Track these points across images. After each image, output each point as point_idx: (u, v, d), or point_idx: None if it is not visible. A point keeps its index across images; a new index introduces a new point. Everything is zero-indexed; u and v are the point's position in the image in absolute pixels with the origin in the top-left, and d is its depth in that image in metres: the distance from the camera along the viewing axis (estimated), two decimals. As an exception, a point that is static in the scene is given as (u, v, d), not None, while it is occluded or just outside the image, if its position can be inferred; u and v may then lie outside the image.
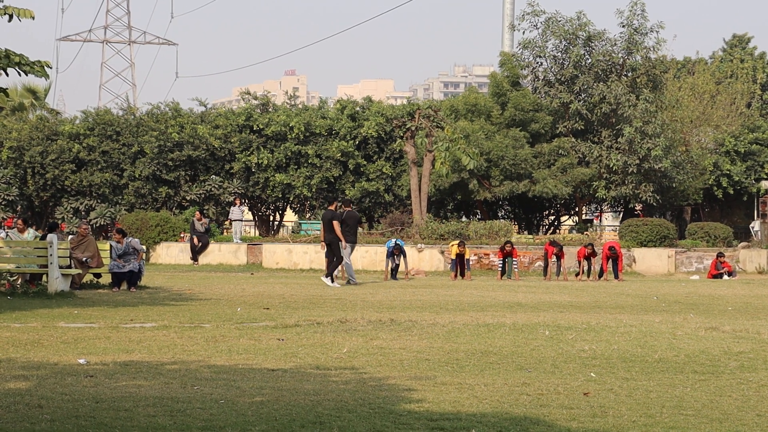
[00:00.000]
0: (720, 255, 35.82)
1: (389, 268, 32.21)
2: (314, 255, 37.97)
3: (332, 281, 27.69)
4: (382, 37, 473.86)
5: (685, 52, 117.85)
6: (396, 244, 32.10)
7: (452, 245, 33.56)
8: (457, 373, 11.84)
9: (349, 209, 29.22)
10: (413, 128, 41.72)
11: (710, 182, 51.02)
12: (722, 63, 69.61)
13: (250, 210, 51.16)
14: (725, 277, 34.71)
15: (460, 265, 33.04)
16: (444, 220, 43.15)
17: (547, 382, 11.18)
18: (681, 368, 12.41)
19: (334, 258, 28.32)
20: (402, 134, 43.10)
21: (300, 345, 14.17)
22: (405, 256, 32.50)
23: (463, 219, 47.89)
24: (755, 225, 49.17)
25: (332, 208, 29.23)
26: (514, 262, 33.73)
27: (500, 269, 33.84)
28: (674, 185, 46.27)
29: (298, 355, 13.21)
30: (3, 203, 46.95)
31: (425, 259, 37.92)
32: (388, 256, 32.25)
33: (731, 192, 51.97)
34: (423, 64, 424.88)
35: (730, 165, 52.09)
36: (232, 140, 48.43)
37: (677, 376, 11.83)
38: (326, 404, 9.76)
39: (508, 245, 33.63)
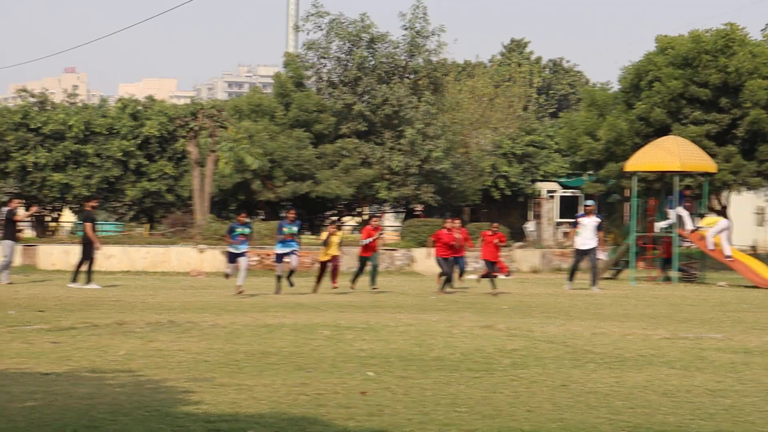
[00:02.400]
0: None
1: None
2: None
3: (84, 283, 26.96)
4: (164, 36, 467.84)
5: (466, 56, 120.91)
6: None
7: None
8: (236, 374, 11.78)
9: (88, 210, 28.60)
10: (196, 128, 41.31)
11: (488, 183, 52.28)
12: (501, 67, 71.44)
13: (27, 210, 49.69)
14: (501, 276, 35.51)
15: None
16: (226, 221, 42.84)
17: (326, 382, 11.24)
18: (456, 366, 12.67)
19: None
20: (185, 134, 42.64)
21: (75, 348, 13.84)
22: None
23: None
24: (530, 225, 50.69)
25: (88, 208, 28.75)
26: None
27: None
28: (454, 186, 47.21)
29: (73, 358, 12.90)
30: None
31: (207, 259, 37.58)
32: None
33: (508, 193, 53.38)
34: (207, 64, 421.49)
35: (507, 167, 53.48)
36: (7, 138, 46.94)
37: (453, 374, 12.07)
38: (101, 408, 9.55)
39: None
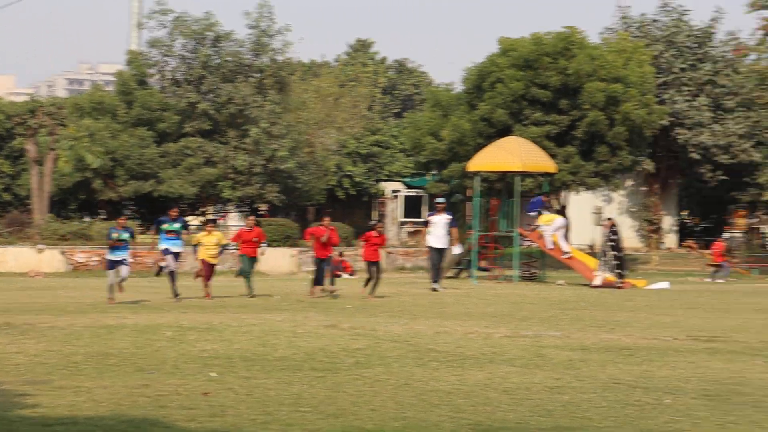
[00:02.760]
0: (340, 254, 36.74)
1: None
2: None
3: None
4: (2, 31, 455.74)
5: (312, 55, 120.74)
6: None
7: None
8: (75, 376, 11.54)
9: None
10: (35, 126, 40.38)
11: (333, 183, 52.34)
12: (346, 67, 71.62)
13: None
14: (345, 276, 35.56)
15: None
16: (66, 221, 41.99)
17: (168, 384, 11.09)
18: (300, 366, 12.64)
19: None
20: (23, 132, 41.61)
21: None
22: None
23: (87, 219, 46.78)
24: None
25: None
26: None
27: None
28: (299, 186, 47.15)
29: None
30: None
31: (45, 260, 36.73)
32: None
33: (353, 193, 53.56)
34: (47, 61, 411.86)
35: (352, 166, 53.66)
36: None
37: (296, 373, 12.04)
38: (-68, 414, 9.24)
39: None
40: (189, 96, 45.75)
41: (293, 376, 11.81)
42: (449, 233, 28.09)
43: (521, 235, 33.52)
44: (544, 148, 37.14)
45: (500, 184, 38.31)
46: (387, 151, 54.96)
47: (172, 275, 23.57)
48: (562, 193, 42.88)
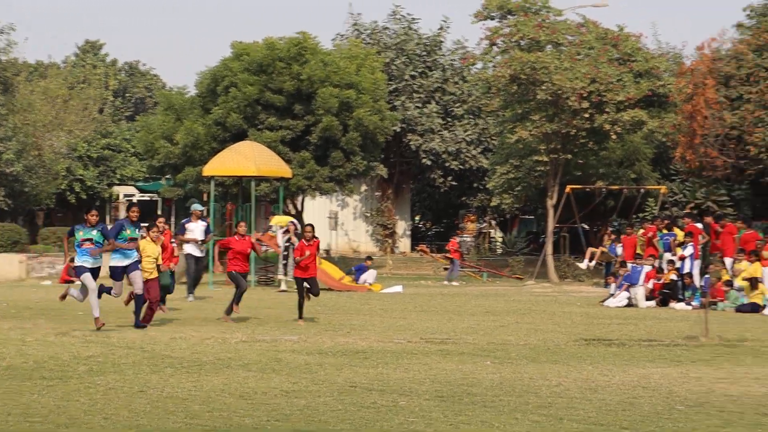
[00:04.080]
0: (71, 260, 35.79)
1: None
2: None
3: None
4: None
5: (38, 56, 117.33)
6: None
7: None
8: None
9: None
10: None
11: (63, 187, 50.93)
12: (75, 68, 69.84)
13: None
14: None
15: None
16: None
17: None
18: (29, 375, 12.21)
19: None
20: None
21: None
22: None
23: None
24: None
25: None
26: None
27: None
28: (27, 189, 45.62)
29: None
30: None
31: None
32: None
33: (84, 197, 52.27)
34: None
35: (83, 170, 52.35)
36: None
37: (25, 383, 11.62)
38: None
39: None
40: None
41: (22, 386, 11.39)
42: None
43: (259, 240, 33.40)
44: (279, 152, 37.25)
45: (236, 189, 38.19)
46: (119, 155, 53.87)
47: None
48: (298, 198, 43.07)
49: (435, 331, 18.63)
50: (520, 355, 15.38)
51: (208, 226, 27.22)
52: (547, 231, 41.00)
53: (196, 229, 26.68)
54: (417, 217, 60.62)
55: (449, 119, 51.41)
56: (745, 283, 26.24)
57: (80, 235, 18.25)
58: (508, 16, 40.36)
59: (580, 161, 41.24)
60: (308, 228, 21.24)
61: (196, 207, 27.78)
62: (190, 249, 26.69)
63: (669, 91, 38.51)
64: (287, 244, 30.45)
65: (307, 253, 20.54)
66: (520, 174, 43.29)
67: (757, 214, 35.56)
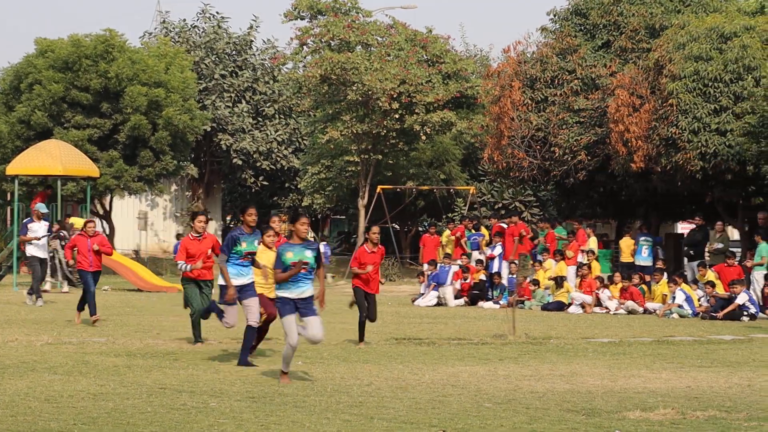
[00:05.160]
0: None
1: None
2: None
3: None
4: None
5: None
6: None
7: None
8: None
9: None
10: None
11: None
12: None
13: None
14: None
15: None
16: None
17: None
18: None
19: None
20: None
21: None
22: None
23: None
24: None
25: None
26: None
27: None
28: None
29: None
30: None
31: None
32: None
33: None
34: None
35: None
36: None
37: None
38: None
39: None
40: None
41: None
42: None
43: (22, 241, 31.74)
44: (86, 151, 36.49)
45: (42, 188, 37.27)
46: None
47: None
48: (107, 198, 42.24)
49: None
50: (331, 354, 15.44)
51: (50, 227, 26.49)
52: (358, 231, 41.26)
53: (39, 229, 25.70)
54: (228, 217, 60.24)
55: (260, 119, 51.27)
56: (551, 282, 26.96)
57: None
58: (319, 17, 40.50)
59: (391, 161, 41.64)
60: (374, 230, 17.31)
61: (40, 207, 26.94)
62: (34, 251, 25.68)
63: (477, 93, 39.26)
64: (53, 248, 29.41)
65: (369, 267, 16.91)
66: (331, 174, 43.49)
67: (563, 215, 36.49)
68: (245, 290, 14.22)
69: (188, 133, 41.50)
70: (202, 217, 16.25)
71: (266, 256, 14.63)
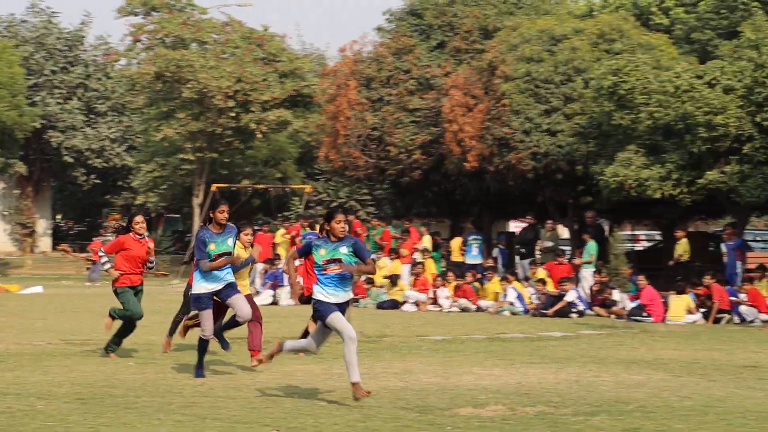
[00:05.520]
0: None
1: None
2: None
3: None
4: None
5: None
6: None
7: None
8: None
9: None
10: None
11: None
12: None
13: None
14: None
15: None
16: None
17: None
18: None
19: None
20: None
21: None
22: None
23: None
24: None
25: None
26: None
27: None
28: None
29: None
30: None
31: None
32: None
33: None
34: None
35: None
36: None
37: None
38: None
39: None
40: None
41: None
42: None
43: None
44: None
45: None
46: None
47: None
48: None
49: (75, 332, 18.12)
50: (164, 355, 15.21)
51: None
52: (192, 230, 40.81)
53: None
54: (59, 216, 58.94)
55: (92, 116, 50.29)
56: (386, 281, 27.11)
57: (321, 254, 11.43)
58: (153, 13, 39.98)
59: (227, 160, 41.34)
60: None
61: None
62: None
63: (313, 92, 39.24)
64: None
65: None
66: (165, 172, 42.94)
67: (398, 213, 36.73)
68: (226, 290, 12.88)
69: (17, 129, 40.47)
70: (140, 218, 15.11)
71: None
